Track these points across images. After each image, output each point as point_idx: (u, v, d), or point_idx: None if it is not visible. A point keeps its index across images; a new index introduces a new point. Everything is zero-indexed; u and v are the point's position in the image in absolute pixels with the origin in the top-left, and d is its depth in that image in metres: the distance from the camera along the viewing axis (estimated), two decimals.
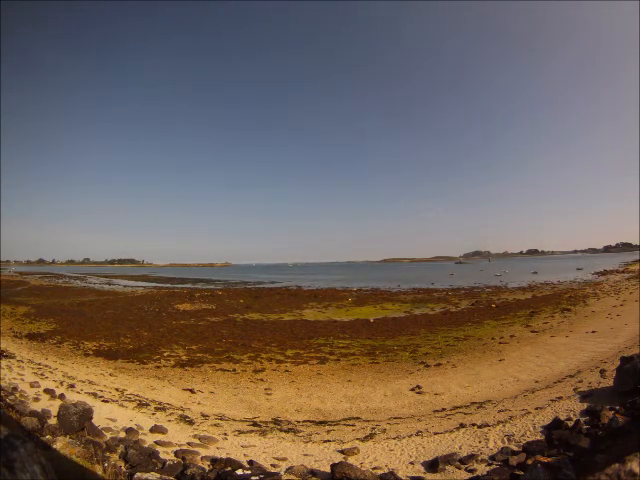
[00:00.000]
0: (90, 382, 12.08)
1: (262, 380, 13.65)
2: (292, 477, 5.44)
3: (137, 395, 11.27)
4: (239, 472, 5.22)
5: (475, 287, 45.01)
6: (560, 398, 8.39)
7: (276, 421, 9.72)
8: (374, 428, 8.59)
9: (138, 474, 4.33)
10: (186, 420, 8.97)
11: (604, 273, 52.38)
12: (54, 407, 6.66)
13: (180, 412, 9.72)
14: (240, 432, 8.37)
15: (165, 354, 16.78)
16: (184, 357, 16.37)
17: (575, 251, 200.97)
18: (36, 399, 8.00)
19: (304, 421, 9.76)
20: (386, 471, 5.49)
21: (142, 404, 10.13)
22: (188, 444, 6.81)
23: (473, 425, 7.59)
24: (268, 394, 12.23)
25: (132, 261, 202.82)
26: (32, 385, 9.20)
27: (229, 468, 5.26)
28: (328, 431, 8.65)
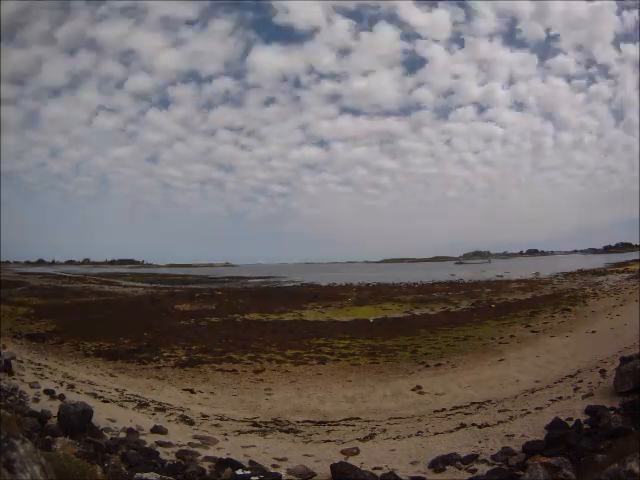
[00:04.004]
0: (90, 382, 12.08)
1: (262, 380, 13.65)
2: (292, 477, 5.44)
3: (137, 395, 11.27)
4: (239, 472, 5.23)
5: (475, 287, 45.02)
6: (560, 398, 8.39)
7: (276, 421, 9.72)
8: (374, 428, 8.59)
9: (138, 474, 4.34)
10: (186, 420, 8.97)
11: (603, 273, 52.46)
12: (54, 407, 6.65)
13: (180, 412, 9.72)
14: (240, 432, 8.38)
15: (165, 354, 16.79)
16: (184, 357, 16.37)
17: (575, 251, 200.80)
18: (36, 399, 7.98)
19: (304, 421, 9.76)
20: (386, 471, 5.49)
21: (142, 404, 10.13)
22: (188, 444, 6.80)
23: (473, 425, 7.59)
24: (268, 394, 12.24)
25: (132, 261, 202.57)
26: (32, 385, 9.17)
27: (229, 468, 5.26)
28: (328, 431, 8.65)
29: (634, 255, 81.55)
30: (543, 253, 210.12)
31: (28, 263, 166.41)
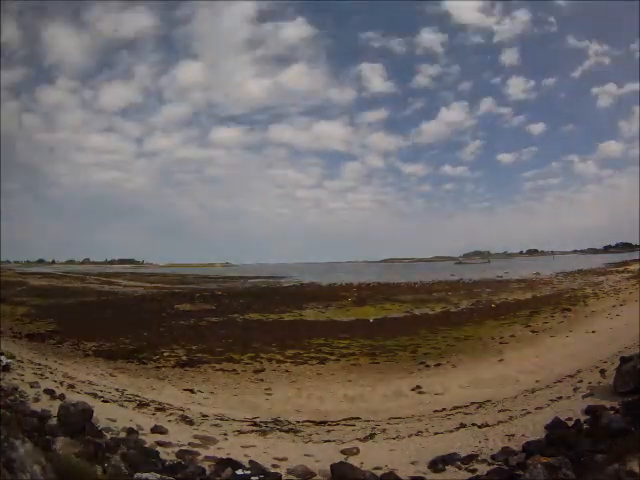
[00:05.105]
0: (90, 382, 12.09)
1: (262, 380, 13.65)
2: (292, 477, 5.45)
3: (137, 395, 11.28)
4: (239, 472, 5.23)
5: (475, 287, 45.01)
6: (560, 398, 8.40)
7: (276, 421, 9.72)
8: (374, 428, 8.59)
9: (138, 474, 4.34)
10: (186, 420, 8.98)
11: (603, 273, 52.45)
12: (54, 407, 6.65)
13: (180, 412, 9.72)
14: (240, 432, 8.38)
15: (165, 354, 16.79)
16: (184, 357, 16.37)
17: (575, 251, 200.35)
18: (36, 399, 7.99)
19: (304, 421, 9.76)
20: (386, 471, 5.50)
21: (142, 404, 10.13)
22: (188, 444, 6.81)
23: (473, 425, 7.60)
24: (268, 394, 12.25)
25: (132, 261, 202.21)
26: (32, 385, 9.18)
27: (229, 468, 5.26)
28: (328, 431, 8.66)
29: (634, 255, 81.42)
30: (543, 253, 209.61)
31: (28, 263, 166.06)
